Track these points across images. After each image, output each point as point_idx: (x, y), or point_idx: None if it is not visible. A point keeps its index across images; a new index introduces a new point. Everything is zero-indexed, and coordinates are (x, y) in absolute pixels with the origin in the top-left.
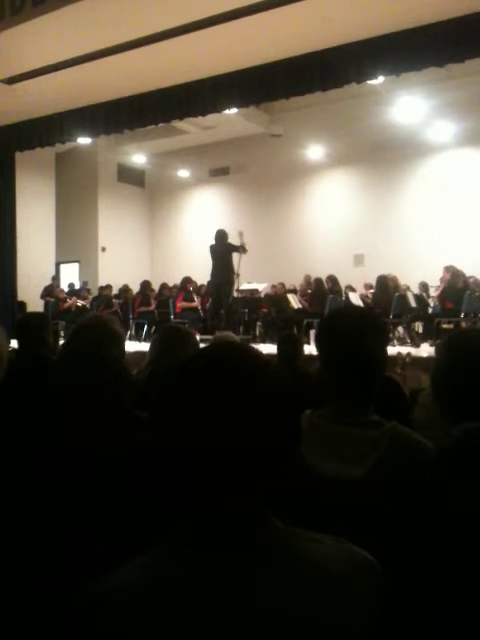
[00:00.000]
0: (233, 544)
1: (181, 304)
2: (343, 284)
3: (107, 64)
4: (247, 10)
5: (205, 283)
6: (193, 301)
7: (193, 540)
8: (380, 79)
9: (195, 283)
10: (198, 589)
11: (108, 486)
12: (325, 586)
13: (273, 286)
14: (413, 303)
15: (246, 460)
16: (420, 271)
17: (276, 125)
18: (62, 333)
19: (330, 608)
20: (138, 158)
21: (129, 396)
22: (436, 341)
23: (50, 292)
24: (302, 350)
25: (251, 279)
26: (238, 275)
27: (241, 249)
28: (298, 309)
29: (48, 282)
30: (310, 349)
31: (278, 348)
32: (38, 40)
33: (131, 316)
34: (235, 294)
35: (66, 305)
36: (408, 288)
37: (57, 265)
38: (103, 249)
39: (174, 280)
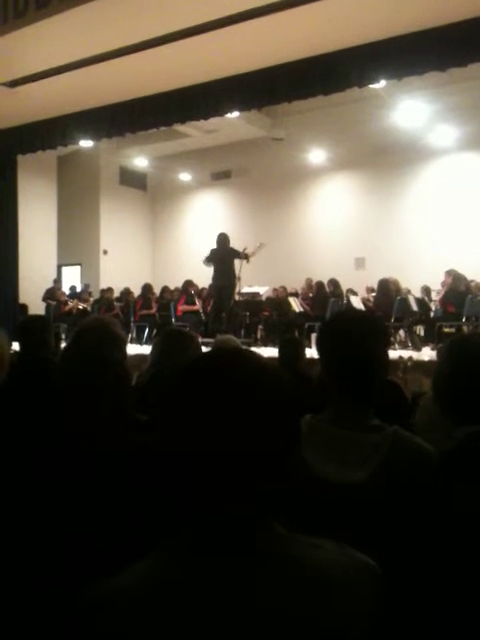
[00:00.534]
0: (234, 547)
1: (182, 307)
2: (344, 287)
3: (109, 67)
4: (249, 14)
5: (206, 286)
6: (194, 304)
7: (194, 543)
8: (382, 83)
9: (196, 286)
10: (199, 592)
11: (109, 488)
12: (325, 590)
13: (274, 289)
14: (414, 307)
15: (246, 463)
16: (422, 275)
17: (278, 129)
18: (63, 336)
19: (330, 612)
20: (140, 161)
21: (130, 399)
22: (437, 345)
23: (51, 295)
24: (303, 353)
25: (252, 282)
26: (239, 278)
27: (242, 255)
28: (299, 312)
29: (50, 285)
30: (311, 352)
31: (279, 351)
32: (41, 43)
33: (132, 319)
34: (237, 297)
35: (67, 308)
36: (409, 291)
37: (59, 268)
38: (105, 252)
39: (175, 283)
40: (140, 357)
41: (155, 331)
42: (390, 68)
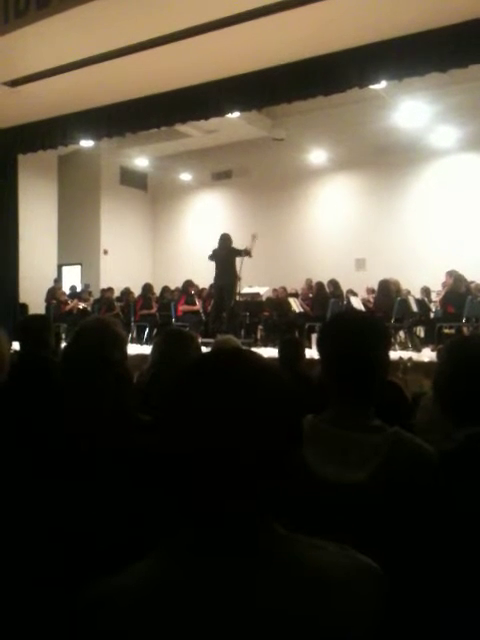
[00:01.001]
0: (234, 547)
1: (183, 307)
2: (345, 288)
3: (110, 67)
4: (250, 14)
5: (206, 286)
6: (194, 304)
7: (194, 543)
8: (383, 84)
9: (197, 286)
10: (199, 592)
11: (110, 488)
12: (326, 591)
13: (274, 290)
14: (415, 308)
15: (246, 462)
16: (422, 276)
17: (279, 129)
18: (64, 335)
19: (330, 613)
20: (141, 161)
21: (131, 399)
22: (438, 346)
23: (52, 294)
24: (303, 354)
25: (253, 283)
26: (240, 279)
27: (243, 252)
28: (299, 313)
29: (50, 284)
30: (311, 353)
31: (279, 352)
32: (42, 43)
33: (133, 319)
34: (237, 298)
35: (67, 307)
36: (409, 292)
37: (59, 267)
38: (105, 252)
39: (176, 283)
40: (140, 357)
41: (155, 331)
42: (391, 69)
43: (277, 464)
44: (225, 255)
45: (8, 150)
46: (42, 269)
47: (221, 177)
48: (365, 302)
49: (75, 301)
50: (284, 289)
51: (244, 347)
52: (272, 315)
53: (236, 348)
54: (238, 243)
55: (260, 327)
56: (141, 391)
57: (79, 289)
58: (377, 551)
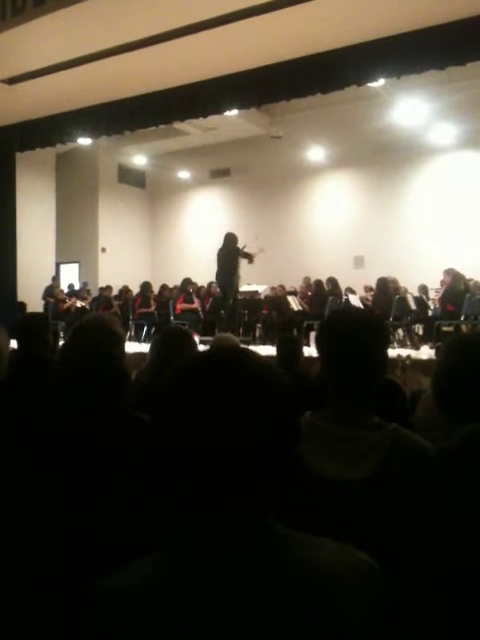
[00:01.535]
0: (232, 544)
1: (181, 305)
2: (343, 286)
3: (108, 65)
4: (248, 12)
5: (205, 284)
6: (193, 302)
7: (193, 540)
8: (381, 81)
9: (195, 285)
10: (198, 589)
11: (109, 487)
12: (324, 588)
13: (273, 288)
14: (413, 305)
15: (245, 460)
16: (420, 274)
17: (277, 127)
18: (62, 334)
19: (329, 610)
20: (139, 159)
21: (130, 397)
22: (436, 344)
23: (50, 293)
24: (302, 352)
25: (251, 281)
26: (239, 277)
27: (241, 254)
28: (298, 311)
29: (48, 282)
30: (310, 351)
31: (277, 350)
32: (39, 41)
33: (131, 317)
34: (237, 296)
35: (66, 306)
36: (407, 290)
37: (57, 265)
38: (103, 250)
39: (174, 281)
40: (139, 355)
41: (154, 329)
42: (389, 66)
43: (275, 461)
44: (226, 254)
45: (6, 148)
46: (40, 267)
47: (219, 175)
48: (363, 300)
49: (73, 299)
50: (282, 287)
51: (243, 345)
52: (271, 313)
53: (234, 346)
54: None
55: (259, 325)
56: (140, 389)
57: (77, 287)
58: (377, 548)
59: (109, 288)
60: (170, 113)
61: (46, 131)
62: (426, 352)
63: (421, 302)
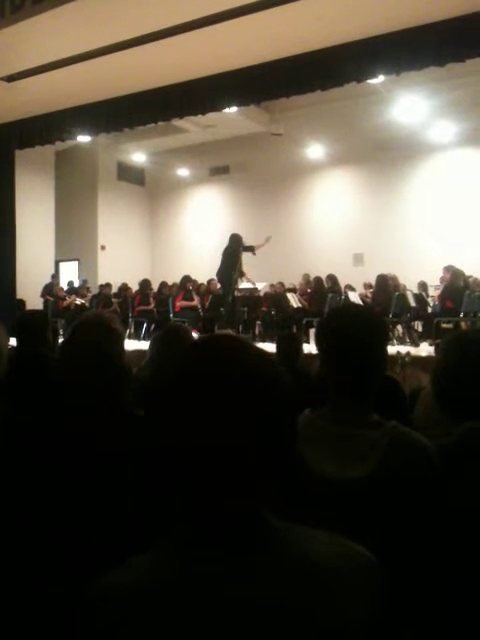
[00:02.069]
0: (232, 543)
1: (180, 303)
2: (342, 283)
3: (107, 62)
4: (248, 9)
5: (205, 282)
6: (192, 300)
7: (193, 540)
8: (380, 78)
9: (195, 282)
10: (198, 587)
11: (108, 485)
12: (323, 582)
13: (272, 285)
14: (412, 302)
15: (244, 459)
16: (420, 271)
17: (276, 124)
18: (61, 331)
19: (328, 604)
20: (138, 156)
21: (129, 394)
22: (435, 341)
23: (50, 290)
24: (301, 349)
25: (251, 278)
26: (243, 273)
27: (244, 249)
28: (297, 308)
29: (47, 280)
30: (309, 348)
31: (277, 347)
32: (38, 38)
33: (130, 314)
34: (236, 293)
35: (65, 303)
36: (406, 288)
37: (56, 263)
38: (102, 247)
39: (174, 279)
40: (138, 353)
41: (153, 327)
42: (388, 63)
43: (275, 461)
44: (228, 252)
45: (5, 145)
46: (39, 265)
47: (219, 172)
48: (363, 297)
49: (73, 297)
50: (282, 284)
51: None
52: (270, 310)
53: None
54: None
55: (258, 322)
56: (140, 387)
57: (77, 285)
58: (377, 546)
59: (108, 286)
60: (169, 110)
61: (45, 128)
62: (425, 349)
63: (420, 299)
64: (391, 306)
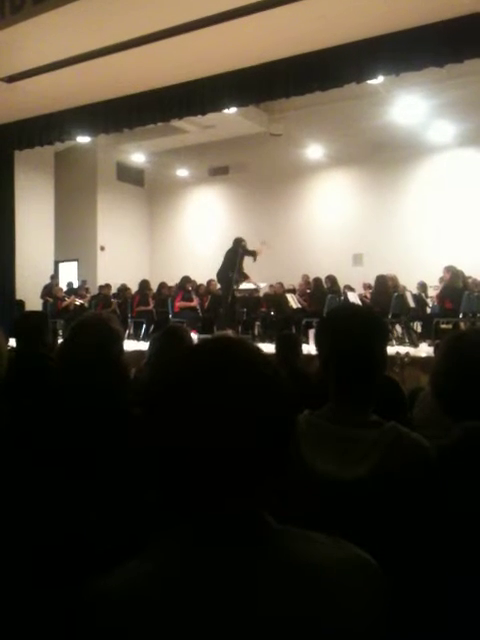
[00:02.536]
0: (232, 543)
1: (180, 303)
2: (342, 284)
3: (106, 63)
4: (247, 9)
5: (204, 282)
6: (192, 300)
7: (193, 539)
8: (380, 79)
9: (194, 282)
10: (198, 587)
11: (108, 485)
12: (323, 585)
13: (271, 286)
14: (412, 303)
15: (245, 461)
16: (419, 271)
17: (276, 125)
18: (60, 332)
19: (329, 607)
20: (137, 157)
21: (129, 395)
22: (435, 341)
23: (49, 291)
24: (300, 350)
25: (250, 278)
26: (246, 276)
27: (246, 252)
28: (297, 309)
29: (47, 281)
30: (308, 349)
31: (276, 348)
32: (38, 38)
33: (129, 315)
34: (236, 294)
35: (64, 304)
36: (405, 288)
37: (56, 264)
38: (102, 248)
39: (173, 279)
40: (137, 353)
41: (152, 327)
42: (388, 64)
43: (275, 461)
44: (227, 253)
45: (4, 146)
46: (39, 265)
47: (218, 173)
48: (362, 298)
49: (72, 297)
50: (281, 285)
51: None
52: (269, 311)
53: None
54: (231, 238)
55: (257, 323)
56: (139, 387)
57: (76, 285)
58: (377, 546)
59: (108, 286)
60: (169, 111)
61: (45, 129)
62: (425, 349)
63: (420, 299)
64: (390, 306)
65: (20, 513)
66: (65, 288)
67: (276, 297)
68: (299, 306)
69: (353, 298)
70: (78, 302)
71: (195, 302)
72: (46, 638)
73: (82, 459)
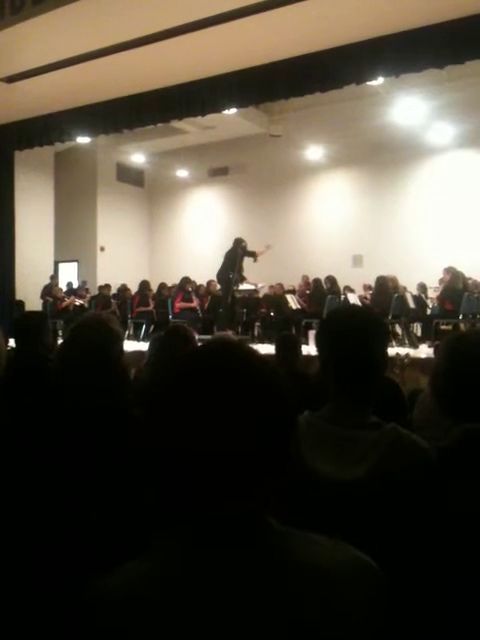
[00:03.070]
0: (232, 543)
1: (180, 304)
2: (342, 285)
3: (106, 63)
4: (247, 10)
5: (204, 283)
6: (192, 301)
7: (193, 539)
8: (379, 80)
9: (194, 283)
10: (198, 587)
11: (108, 485)
12: (323, 587)
13: (271, 286)
14: (412, 304)
15: (245, 462)
16: (419, 272)
17: (275, 126)
18: (60, 332)
19: (329, 609)
20: (137, 158)
21: (128, 395)
22: (435, 342)
23: (49, 291)
24: (300, 351)
25: (250, 279)
26: (243, 278)
27: (246, 253)
28: (297, 310)
29: (46, 281)
30: (308, 350)
31: (276, 349)
32: (38, 39)
33: (129, 316)
34: (236, 295)
35: (64, 304)
36: (405, 289)
37: (56, 264)
38: (102, 248)
39: (173, 280)
40: (137, 354)
41: (152, 328)
42: (388, 65)
43: (275, 462)
44: (229, 253)
45: (4, 146)
46: (39, 266)
47: (218, 173)
48: (362, 299)
49: (72, 298)
50: (281, 286)
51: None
52: (269, 312)
53: (230, 342)
54: (231, 238)
55: (257, 324)
56: (139, 388)
57: (76, 286)
58: (376, 548)
59: (108, 287)
60: (168, 111)
61: (45, 129)
62: (425, 351)
63: (420, 301)
64: (390, 308)
65: (20, 513)
66: (65, 288)
67: (276, 298)
68: (299, 307)
69: (353, 299)
70: (78, 302)
71: (195, 303)
72: (46, 638)
73: (82, 458)
